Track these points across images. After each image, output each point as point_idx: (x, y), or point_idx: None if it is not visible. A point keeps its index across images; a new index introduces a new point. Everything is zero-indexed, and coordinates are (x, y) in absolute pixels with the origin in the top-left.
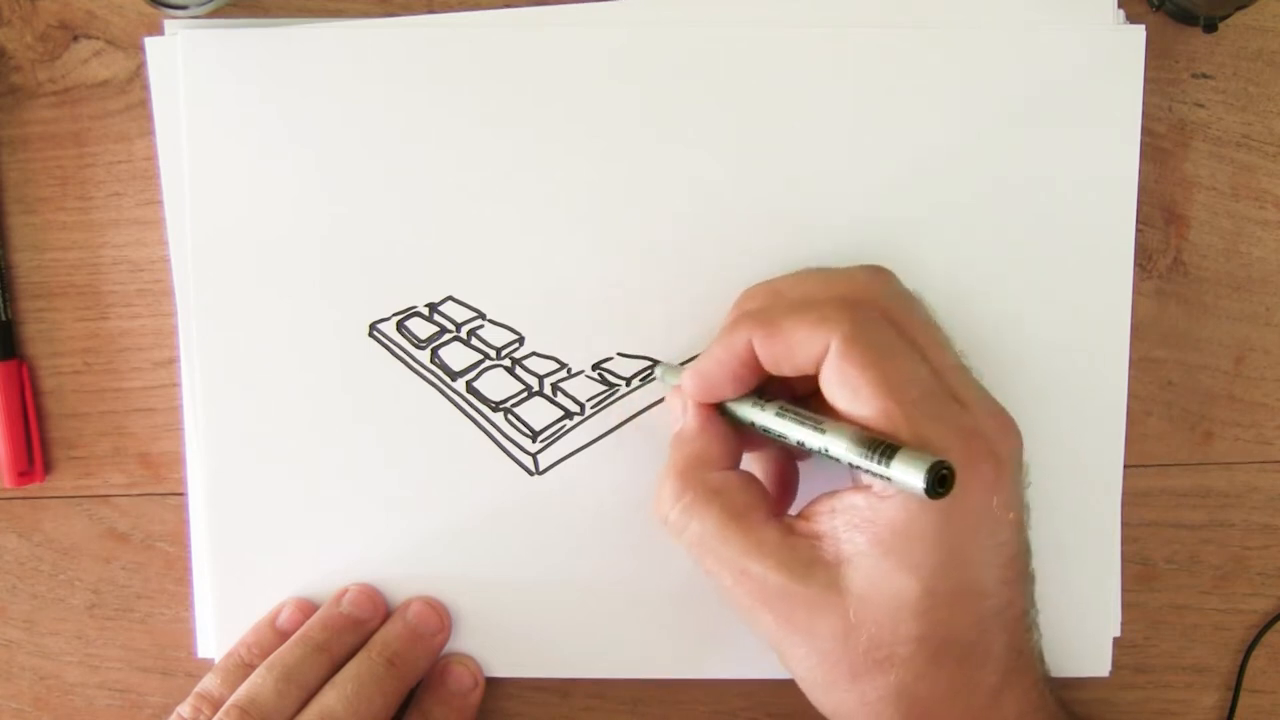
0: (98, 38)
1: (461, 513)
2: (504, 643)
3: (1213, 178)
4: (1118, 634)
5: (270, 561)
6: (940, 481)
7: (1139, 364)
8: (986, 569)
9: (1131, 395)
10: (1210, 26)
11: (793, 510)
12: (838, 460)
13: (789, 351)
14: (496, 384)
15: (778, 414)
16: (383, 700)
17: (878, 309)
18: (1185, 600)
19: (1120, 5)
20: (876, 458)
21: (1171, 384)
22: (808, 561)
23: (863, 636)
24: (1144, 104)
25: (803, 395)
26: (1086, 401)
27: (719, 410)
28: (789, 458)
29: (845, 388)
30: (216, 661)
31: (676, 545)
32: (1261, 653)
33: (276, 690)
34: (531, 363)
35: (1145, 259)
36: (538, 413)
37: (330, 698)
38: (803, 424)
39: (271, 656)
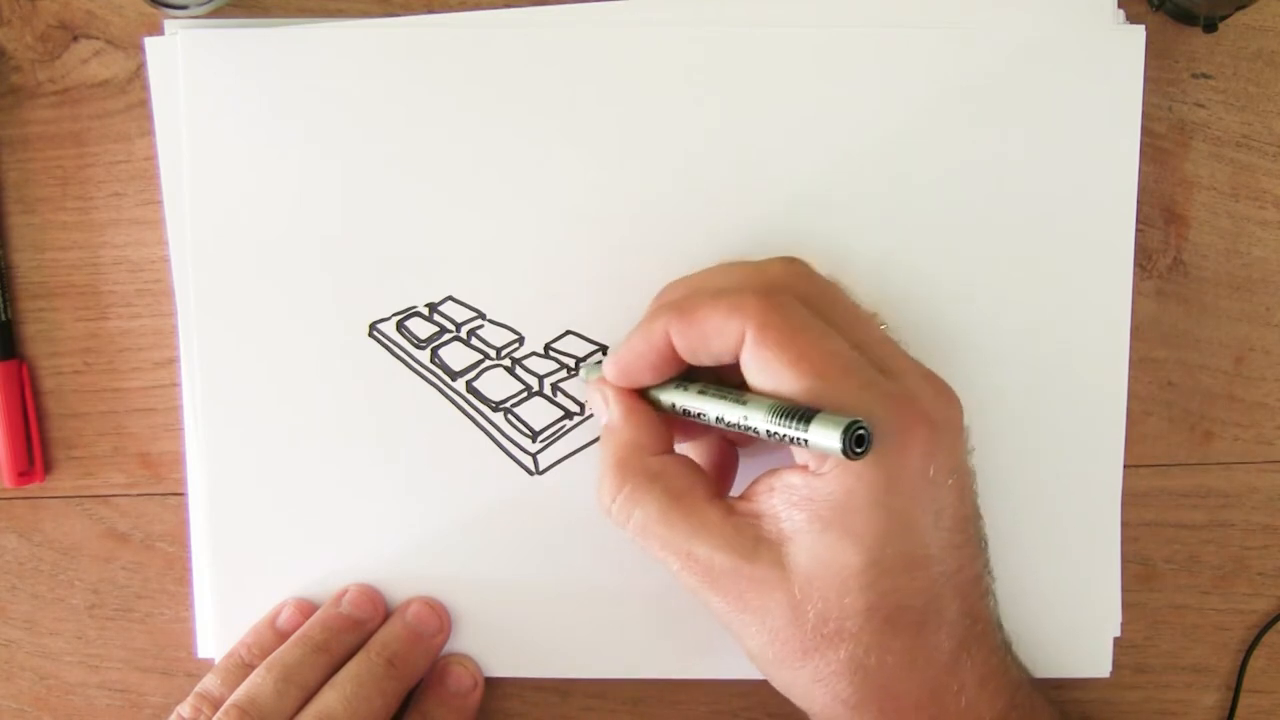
0: (98, 38)
1: (461, 513)
2: (504, 643)
3: (1213, 178)
4: (1118, 634)
5: (270, 561)
6: (858, 441)
7: (1139, 364)
8: (931, 534)
9: (1131, 395)
10: (1210, 26)
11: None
12: (756, 433)
13: (704, 340)
14: (496, 384)
15: (699, 392)
16: (382, 700)
17: (792, 294)
18: (1185, 600)
19: (1120, 5)
20: (794, 423)
21: (1171, 384)
22: (752, 541)
23: (810, 612)
24: (1144, 104)
25: (734, 386)
26: (1086, 401)
27: (643, 398)
28: (726, 444)
29: (765, 371)
30: (216, 662)
31: (621, 533)
32: (1261, 653)
33: (276, 690)
34: (531, 363)
35: (1145, 259)
36: (538, 413)
37: (330, 698)
38: (723, 399)
39: (271, 656)
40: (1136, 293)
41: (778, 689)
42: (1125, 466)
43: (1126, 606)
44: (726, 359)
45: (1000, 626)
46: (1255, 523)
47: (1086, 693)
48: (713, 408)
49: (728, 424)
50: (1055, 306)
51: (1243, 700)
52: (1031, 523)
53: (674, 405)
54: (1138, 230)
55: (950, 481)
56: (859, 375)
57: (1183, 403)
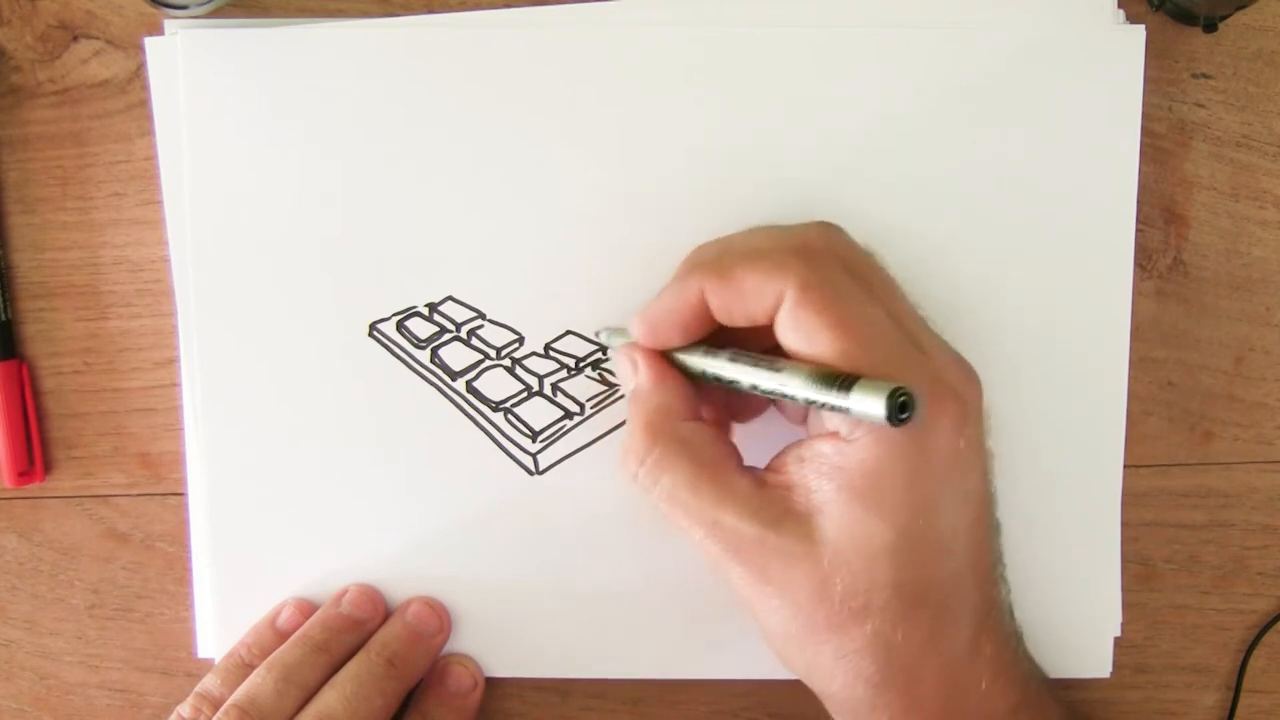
0: (98, 38)
1: (461, 513)
2: (504, 643)
3: (1213, 178)
4: (1118, 634)
5: (270, 561)
6: (902, 408)
7: (1139, 364)
8: (957, 513)
9: (1131, 395)
10: (1210, 26)
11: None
12: (794, 400)
13: (742, 300)
14: (496, 384)
15: (731, 359)
16: (382, 700)
17: (832, 256)
18: (1185, 600)
19: (1120, 5)
20: (835, 390)
21: (1171, 384)
22: (780, 512)
23: (838, 586)
24: (1144, 104)
25: (763, 351)
26: (1086, 401)
27: (672, 363)
28: (728, 420)
29: (801, 333)
30: (216, 662)
31: (647, 498)
32: (1261, 653)
33: (276, 690)
34: (531, 363)
35: (1145, 259)
36: (538, 413)
37: (330, 698)
38: (757, 366)
39: (271, 656)
40: (1136, 293)
41: (795, 671)
42: (1125, 466)
43: (1126, 606)
44: (760, 320)
45: (1012, 614)
46: (1255, 523)
47: (1086, 693)
48: (747, 375)
49: (762, 391)
50: (1055, 306)
51: (1243, 700)
52: (1031, 522)
53: (704, 372)
54: (1138, 230)
55: (976, 460)
56: (895, 347)
57: (1183, 403)
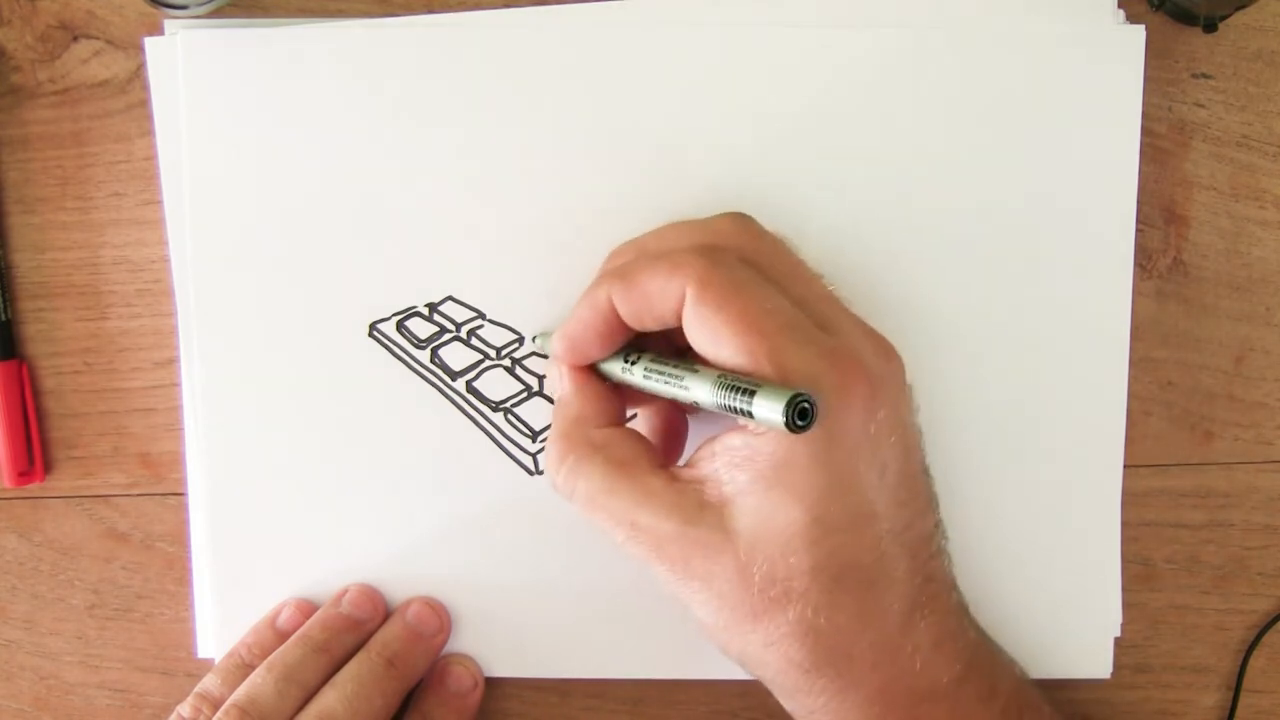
0: (98, 38)
1: (461, 513)
2: (504, 643)
3: (1213, 178)
4: (1118, 634)
5: (270, 561)
6: (801, 415)
7: (1139, 364)
8: (875, 491)
9: (1131, 395)
10: (1210, 26)
11: (681, 461)
12: (704, 407)
13: (648, 303)
14: (496, 384)
15: (644, 375)
16: (382, 700)
17: (735, 252)
18: (1185, 600)
19: (1120, 5)
20: (739, 398)
21: (1171, 384)
22: (696, 505)
23: (756, 574)
24: (1144, 104)
25: (684, 349)
26: (1086, 401)
27: (595, 372)
28: (676, 410)
29: (705, 330)
30: (216, 662)
31: (569, 507)
32: (1261, 653)
33: (276, 690)
34: (531, 363)
35: (1145, 259)
36: (538, 413)
37: (330, 698)
38: (667, 381)
39: (271, 656)
40: (1136, 293)
41: (732, 660)
42: (1125, 466)
43: (1126, 606)
44: (671, 321)
45: (955, 587)
46: (1255, 523)
47: (1086, 693)
48: (661, 390)
49: (679, 401)
50: (1055, 306)
51: (1243, 700)
52: (1032, 523)
53: (626, 382)
54: (1138, 230)
55: (893, 438)
56: (798, 332)
57: (1183, 403)
